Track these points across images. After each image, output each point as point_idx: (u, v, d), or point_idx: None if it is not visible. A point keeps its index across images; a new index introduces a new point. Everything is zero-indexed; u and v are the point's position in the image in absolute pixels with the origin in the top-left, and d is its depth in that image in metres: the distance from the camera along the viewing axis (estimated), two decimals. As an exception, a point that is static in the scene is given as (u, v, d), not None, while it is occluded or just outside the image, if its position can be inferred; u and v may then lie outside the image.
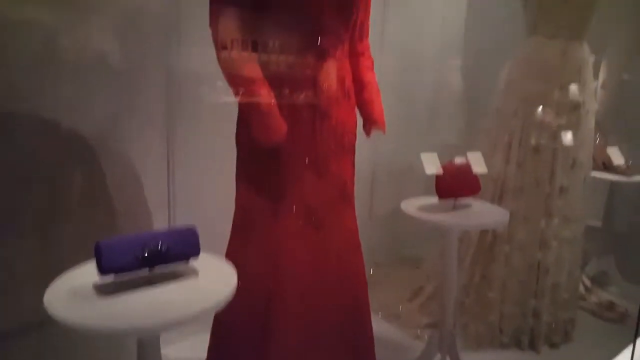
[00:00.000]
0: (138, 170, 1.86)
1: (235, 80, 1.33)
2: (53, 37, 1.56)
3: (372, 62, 1.66)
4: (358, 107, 1.61)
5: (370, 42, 1.65)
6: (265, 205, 1.44)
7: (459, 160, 1.88)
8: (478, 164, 1.90)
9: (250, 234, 1.47)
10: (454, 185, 1.82)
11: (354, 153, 1.60)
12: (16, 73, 1.50)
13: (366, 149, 2.67)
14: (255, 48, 1.37)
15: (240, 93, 1.34)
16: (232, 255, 1.44)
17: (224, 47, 1.32)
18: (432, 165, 1.82)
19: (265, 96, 1.32)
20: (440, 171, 1.80)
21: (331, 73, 1.43)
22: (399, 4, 2.78)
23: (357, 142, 1.60)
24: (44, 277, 1.10)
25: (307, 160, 1.43)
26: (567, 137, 2.12)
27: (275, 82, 1.37)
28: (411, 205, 1.84)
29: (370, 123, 1.60)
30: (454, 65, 3.23)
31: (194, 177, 1.99)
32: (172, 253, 1.11)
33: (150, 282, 1.09)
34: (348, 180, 1.55)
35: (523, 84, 2.13)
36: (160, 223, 1.95)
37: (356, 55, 1.60)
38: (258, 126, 1.34)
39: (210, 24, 1.33)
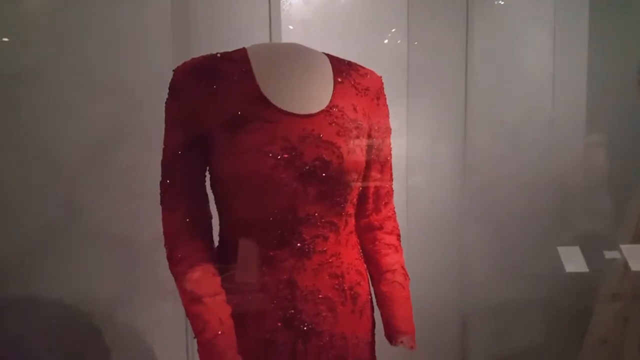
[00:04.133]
0: (151, 344, 1.65)
1: (180, 291, 1.02)
2: (56, 219, 1.47)
3: (398, 236, 1.21)
4: (377, 304, 1.17)
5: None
6: None
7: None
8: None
9: None
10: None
11: (372, 372, 1.14)
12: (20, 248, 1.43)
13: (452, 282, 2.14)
14: (209, 249, 1.06)
15: (186, 313, 1.01)
16: None
17: (171, 243, 1.03)
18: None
19: (211, 321, 0.97)
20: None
21: (318, 273, 1.03)
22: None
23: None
24: None
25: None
26: None
27: (236, 290, 1.03)
28: None
29: (391, 331, 1.13)
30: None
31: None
32: None
33: None
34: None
35: None
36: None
37: (371, 231, 1.19)
38: (201, 359, 0.99)
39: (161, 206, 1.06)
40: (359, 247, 1.16)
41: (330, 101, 1.04)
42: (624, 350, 1.52)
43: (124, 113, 1.54)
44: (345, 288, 1.06)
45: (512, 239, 2.46)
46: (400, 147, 2.15)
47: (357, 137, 1.05)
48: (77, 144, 1.49)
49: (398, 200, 2.10)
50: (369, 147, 1.12)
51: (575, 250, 1.56)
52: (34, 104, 1.42)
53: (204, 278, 1.01)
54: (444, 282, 2.26)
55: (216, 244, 1.10)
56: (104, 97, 1.51)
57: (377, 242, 1.18)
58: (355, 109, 1.07)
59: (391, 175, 1.21)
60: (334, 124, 1.02)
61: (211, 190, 1.08)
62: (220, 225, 1.09)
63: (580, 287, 2.27)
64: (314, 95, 1.04)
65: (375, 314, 1.17)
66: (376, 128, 1.13)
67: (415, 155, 2.20)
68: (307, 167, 0.99)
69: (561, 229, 2.48)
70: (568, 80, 2.61)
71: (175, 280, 1.02)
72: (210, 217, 1.08)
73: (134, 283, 1.60)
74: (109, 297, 1.57)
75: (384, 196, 1.19)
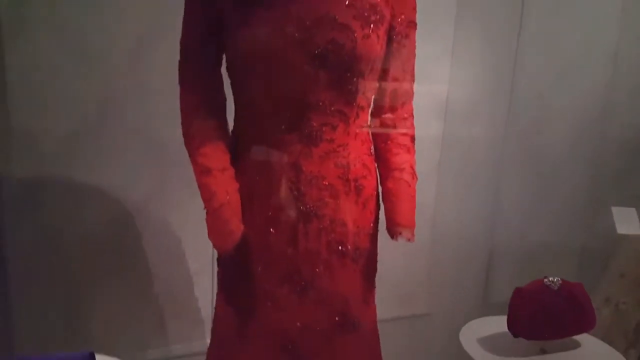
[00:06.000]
0: (180, 236, 1.76)
1: (193, 165, 1.08)
2: (96, 114, 1.55)
3: (412, 137, 1.20)
4: (382, 201, 1.18)
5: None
6: (238, 325, 1.13)
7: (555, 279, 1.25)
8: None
9: (223, 353, 1.19)
10: (544, 321, 1.21)
11: (370, 260, 1.17)
12: (59, 144, 1.52)
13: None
14: (223, 128, 1.10)
15: (198, 183, 1.08)
16: None
17: (186, 120, 1.09)
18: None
19: (218, 192, 1.03)
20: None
21: (324, 161, 1.06)
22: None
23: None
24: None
25: (285, 274, 1.08)
26: None
27: (245, 170, 1.08)
28: (474, 336, 1.29)
29: (391, 224, 1.15)
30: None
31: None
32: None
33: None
34: (352, 300, 1.13)
35: None
36: (201, 288, 1.81)
37: (385, 129, 1.18)
38: (208, 227, 1.06)
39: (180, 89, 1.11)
40: (371, 144, 1.17)
41: None
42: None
43: (164, 12, 1.57)
44: (350, 179, 1.08)
45: (551, 187, 2.35)
46: (442, 75, 2.08)
47: (375, 23, 1.02)
48: (116, 41, 1.53)
49: (434, 129, 2.06)
50: (390, 40, 1.10)
51: (631, 212, 1.49)
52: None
53: (215, 153, 1.06)
54: (474, 220, 2.22)
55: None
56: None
57: (389, 142, 1.17)
58: None
59: (412, 75, 1.19)
60: (351, 7, 1.00)
61: (227, 74, 1.11)
62: (234, 109, 1.13)
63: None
64: (333, -27, 1.01)
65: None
66: (399, 20, 1.10)
67: (458, 86, 2.11)
68: (319, 50, 0.98)
69: (605, 184, 2.34)
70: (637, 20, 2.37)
71: (189, 154, 1.08)
72: (225, 99, 1.12)
73: (166, 180, 1.68)
74: (143, 191, 1.65)
75: (401, 95, 1.17)
